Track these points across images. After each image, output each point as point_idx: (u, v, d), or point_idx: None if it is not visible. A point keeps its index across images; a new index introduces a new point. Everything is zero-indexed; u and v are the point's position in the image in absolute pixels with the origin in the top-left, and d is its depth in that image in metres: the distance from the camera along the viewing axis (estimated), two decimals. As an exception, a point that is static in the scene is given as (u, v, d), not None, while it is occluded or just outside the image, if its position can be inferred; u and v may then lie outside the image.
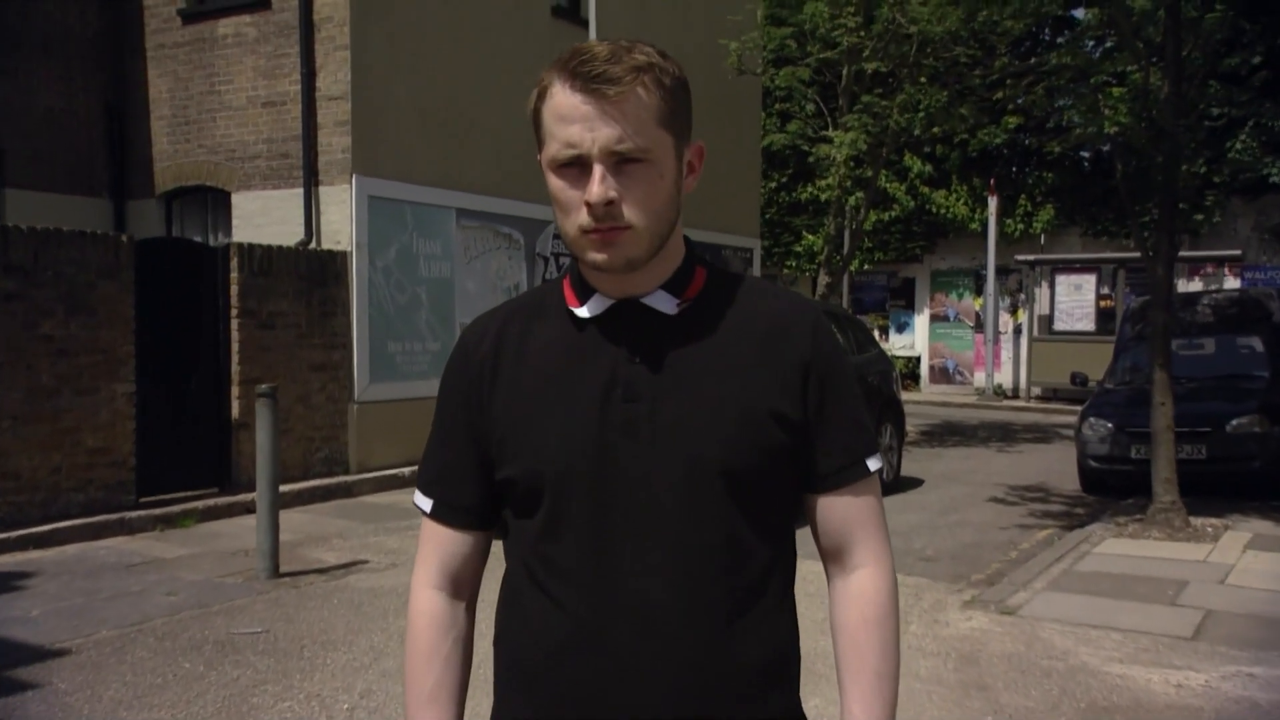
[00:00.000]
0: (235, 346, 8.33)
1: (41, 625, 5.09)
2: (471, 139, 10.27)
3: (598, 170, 1.13)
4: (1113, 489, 9.05)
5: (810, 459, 1.26)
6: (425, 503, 1.35)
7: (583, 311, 1.24)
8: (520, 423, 1.24)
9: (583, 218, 1.14)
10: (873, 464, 1.28)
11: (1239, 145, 14.90)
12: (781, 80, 12.14)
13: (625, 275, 1.20)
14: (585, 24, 10.96)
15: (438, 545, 1.34)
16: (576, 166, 1.14)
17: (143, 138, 10.18)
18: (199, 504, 7.78)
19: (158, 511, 7.47)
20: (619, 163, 1.14)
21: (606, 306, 1.24)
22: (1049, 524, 8.13)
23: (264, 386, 6.22)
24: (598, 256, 1.15)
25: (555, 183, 1.16)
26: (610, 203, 1.13)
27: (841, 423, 1.26)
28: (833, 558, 1.31)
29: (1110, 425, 8.89)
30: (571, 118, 1.13)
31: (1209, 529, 7.27)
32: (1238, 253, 16.04)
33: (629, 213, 1.15)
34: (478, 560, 1.36)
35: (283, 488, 8.02)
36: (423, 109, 9.76)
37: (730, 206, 14.52)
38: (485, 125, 10.35)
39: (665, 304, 1.24)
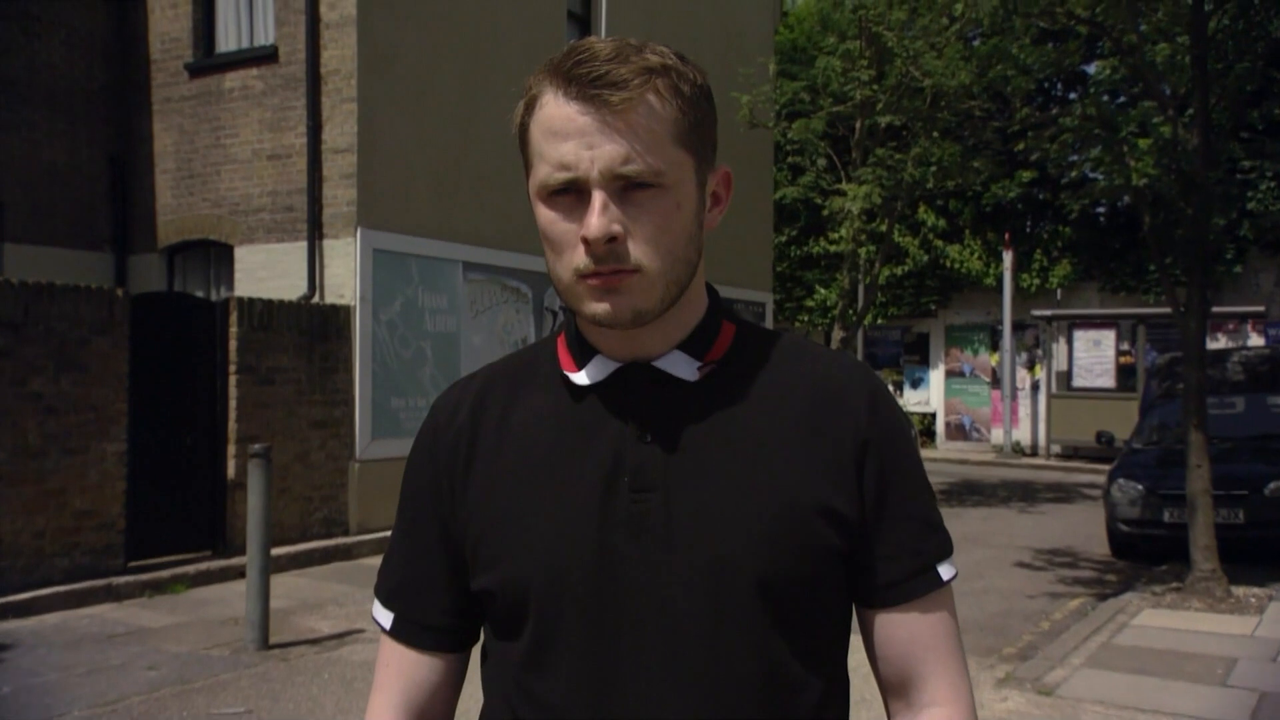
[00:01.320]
0: (233, 403, 8.07)
1: (10, 704, 4.76)
2: (478, 191, 10.12)
3: (598, 198, 0.90)
4: (1144, 554, 8.66)
5: (868, 565, 1.00)
6: (385, 617, 1.08)
7: (580, 378, 1.01)
8: (501, 519, 1.00)
9: (579, 258, 0.91)
10: (946, 572, 1.02)
11: (1260, 197, 14.68)
12: (794, 133, 12.01)
13: (633, 332, 0.98)
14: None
15: (400, 671, 1.07)
16: (571, 194, 0.91)
17: (146, 191, 10.07)
18: (190, 568, 7.46)
19: (146, 577, 7.16)
20: (625, 189, 0.91)
21: (610, 372, 1.00)
22: (1080, 592, 7.74)
23: (257, 446, 5.95)
24: (598, 308, 0.93)
25: (545, 215, 0.94)
26: (614, 239, 0.90)
27: (907, 519, 1.01)
28: (896, 691, 1.03)
29: (1141, 487, 8.52)
30: (566, 132, 0.90)
31: (1252, 599, 6.88)
32: (1260, 309, 15.73)
33: (637, 252, 0.91)
34: (448, 690, 1.09)
35: (278, 550, 7.75)
36: (429, 161, 9.63)
37: (742, 259, 14.35)
38: (492, 177, 10.21)
39: (684, 368, 1.00)
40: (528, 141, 0.95)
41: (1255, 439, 8.90)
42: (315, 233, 9.11)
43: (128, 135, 10.17)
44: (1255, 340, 15.68)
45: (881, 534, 0.99)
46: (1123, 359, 16.70)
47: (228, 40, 9.74)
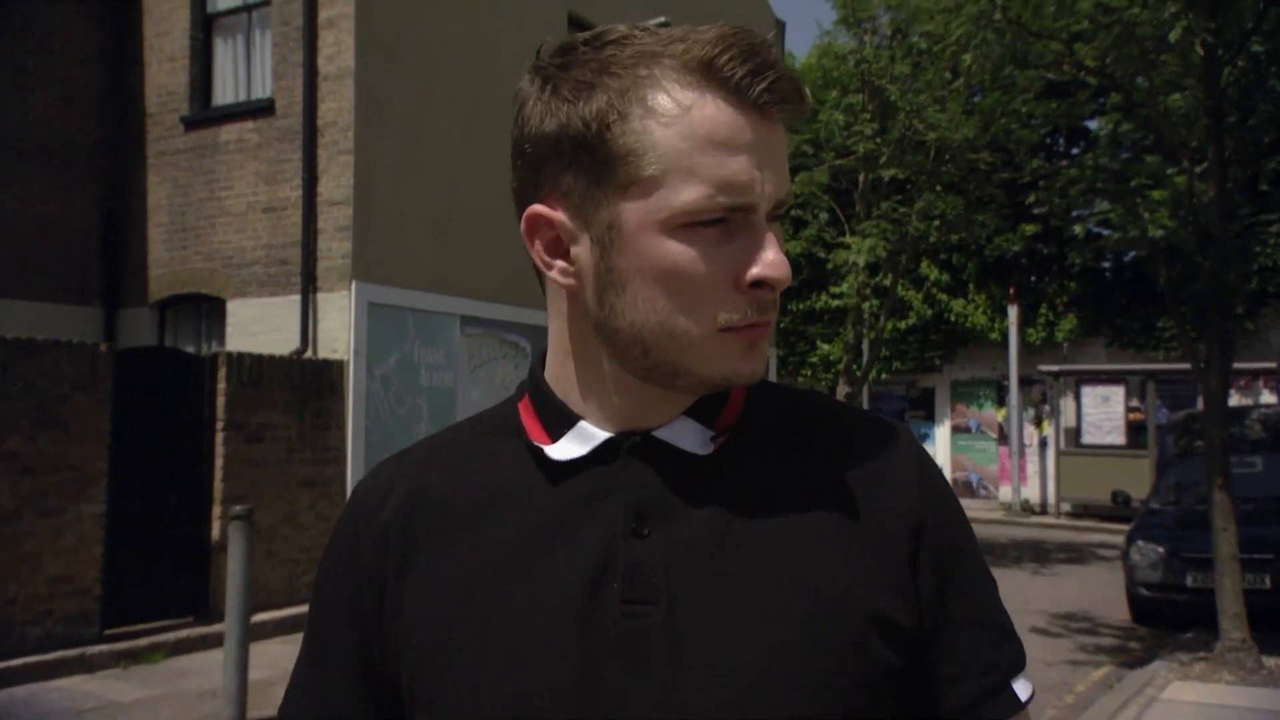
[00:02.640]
0: (219, 462, 7.80)
1: (-39, 791, 4.43)
2: (475, 244, 9.96)
3: (771, 232, 0.75)
4: (1167, 620, 8.32)
5: (928, 688, 0.79)
6: None
7: (557, 451, 0.80)
8: (447, 643, 0.77)
9: (731, 306, 0.74)
10: (1023, 690, 0.81)
11: (1269, 251, 14.53)
12: (798, 187, 11.91)
13: (642, 391, 0.79)
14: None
15: None
16: (718, 225, 0.74)
17: (138, 245, 9.92)
18: (170, 636, 7.13)
19: (123, 646, 6.82)
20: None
21: (597, 445, 0.79)
22: (1103, 660, 7.39)
23: (238, 508, 5.66)
24: (746, 368, 0.76)
25: (679, 252, 0.73)
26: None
27: (974, 624, 0.80)
28: None
29: (1161, 550, 8.21)
30: (735, 144, 0.72)
31: (1285, 671, 6.54)
32: (1273, 365, 15.49)
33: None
34: None
35: (263, 616, 7.42)
36: (425, 213, 9.48)
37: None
38: (490, 230, 10.07)
39: (693, 439, 0.80)
40: (629, 150, 0.73)
41: (1278, 500, 8.60)
42: (309, 286, 8.93)
43: (121, 189, 10.05)
44: (1268, 397, 15.42)
45: (944, 645, 0.78)
46: (1132, 415, 16.41)
47: (225, 93, 9.67)
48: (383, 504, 0.83)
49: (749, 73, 0.72)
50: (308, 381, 8.56)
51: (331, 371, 8.77)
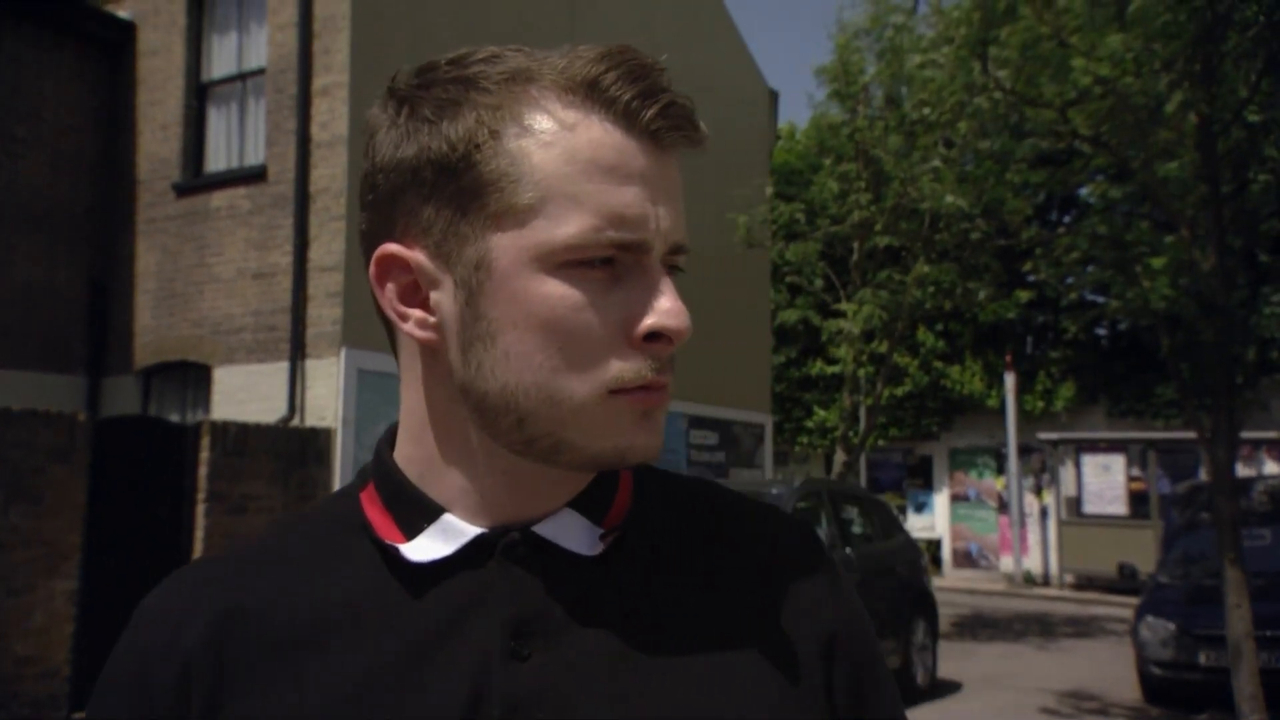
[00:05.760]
0: (200, 534, 7.57)
1: None
2: (470, 312, 9.87)
3: (665, 274, 0.65)
4: (1179, 699, 8.03)
5: None
6: None
7: (414, 551, 0.67)
8: None
9: (626, 364, 0.63)
10: None
11: (1265, 322, 14.50)
12: (792, 255, 11.89)
13: (524, 476, 0.67)
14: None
15: None
16: (606, 268, 0.63)
17: (125, 312, 9.80)
18: (141, 718, 6.82)
19: (90, 729, 6.51)
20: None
21: (465, 542, 0.66)
22: (1115, 745, 7.10)
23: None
24: (641, 441, 0.65)
25: (561, 294, 0.63)
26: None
27: None
28: None
29: (1172, 626, 7.96)
30: (625, 173, 0.62)
31: (1307, 757, 6.27)
32: (1275, 435, 15.36)
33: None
34: None
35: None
36: (420, 282, 9.40)
37: (741, 381, 14.06)
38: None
39: (579, 538, 0.68)
40: (501, 174, 0.62)
41: (1289, 574, 8.38)
42: (298, 353, 8.81)
43: (109, 256, 9.97)
44: (1271, 467, 15.25)
45: None
46: (1134, 485, 16.21)
47: (217, 160, 9.65)
48: (182, 629, 0.65)
49: (638, 94, 0.63)
50: (294, 450, 8.37)
51: (319, 440, 8.58)
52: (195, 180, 9.61)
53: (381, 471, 0.71)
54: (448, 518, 0.67)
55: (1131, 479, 16.23)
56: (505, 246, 0.62)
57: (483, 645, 0.63)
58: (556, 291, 0.62)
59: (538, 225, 0.62)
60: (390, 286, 0.67)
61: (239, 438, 7.96)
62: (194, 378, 9.58)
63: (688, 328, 0.63)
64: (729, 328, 13.84)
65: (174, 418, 9.25)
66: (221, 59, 9.74)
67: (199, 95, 9.74)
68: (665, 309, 0.63)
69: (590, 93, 0.62)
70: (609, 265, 0.63)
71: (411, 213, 0.65)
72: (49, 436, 6.63)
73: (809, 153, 16.67)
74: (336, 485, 8.58)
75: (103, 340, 9.93)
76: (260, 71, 9.33)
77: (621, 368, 0.63)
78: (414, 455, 0.69)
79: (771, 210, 12.50)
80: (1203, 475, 10.21)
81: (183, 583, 0.69)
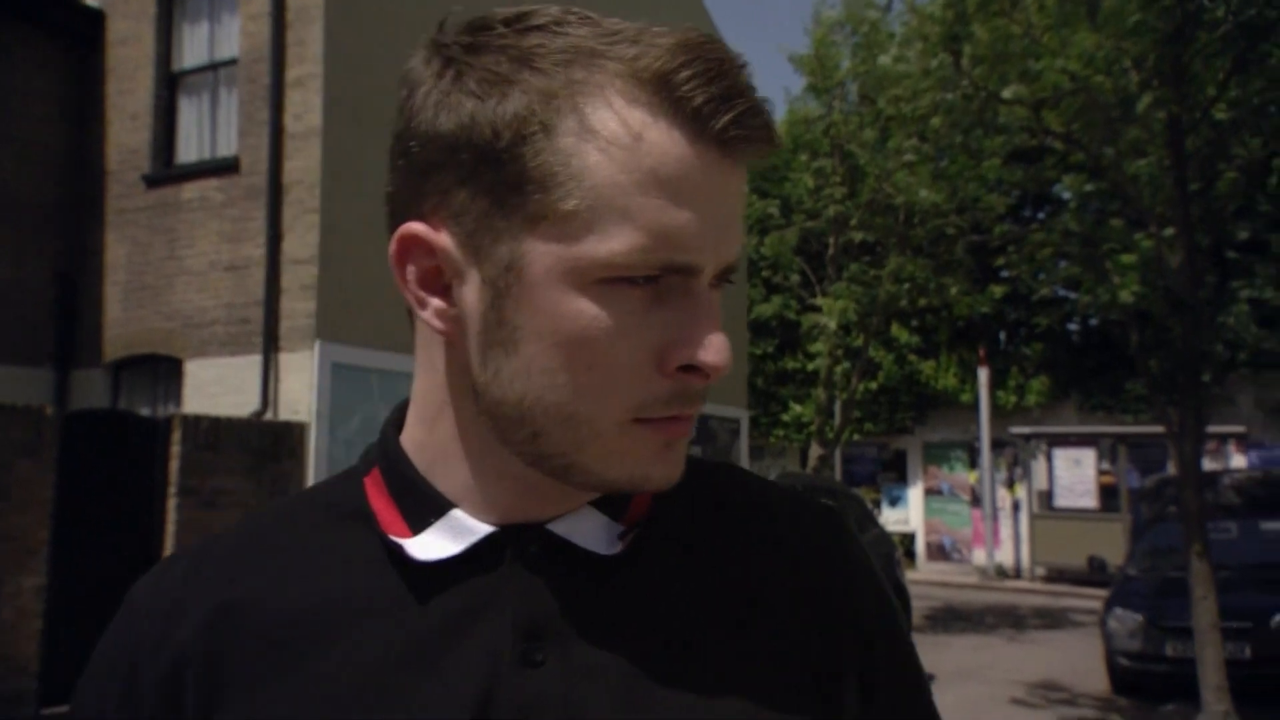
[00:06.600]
0: (170, 529, 7.49)
1: None
2: (445, 306, 9.82)
3: (714, 301, 0.60)
4: (1147, 690, 8.14)
5: None
6: None
7: (421, 548, 0.62)
8: None
9: (650, 391, 0.59)
10: None
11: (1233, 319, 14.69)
12: (767, 249, 11.92)
13: (535, 477, 0.62)
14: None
15: None
16: (649, 286, 0.58)
17: (94, 305, 9.68)
18: (111, 715, 6.75)
19: (59, 726, 6.45)
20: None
21: (475, 541, 0.62)
22: (1084, 735, 7.20)
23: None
24: (660, 472, 0.60)
25: (592, 313, 0.57)
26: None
27: None
28: None
29: (1140, 618, 8.07)
30: (686, 192, 0.56)
31: (1270, 746, 6.37)
32: (1242, 429, 15.59)
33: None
34: None
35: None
36: (393, 274, 9.32)
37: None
38: (460, 292, 9.96)
39: (598, 537, 0.64)
40: (548, 174, 0.56)
41: (1255, 567, 8.51)
42: (271, 346, 8.73)
43: (78, 248, 9.84)
44: (1238, 461, 15.47)
45: None
46: (1104, 479, 16.40)
47: (189, 152, 9.54)
48: (174, 621, 0.62)
49: (713, 97, 0.56)
50: (267, 444, 8.30)
51: (292, 434, 8.52)
52: (166, 171, 9.50)
53: (389, 458, 0.66)
54: (456, 514, 0.63)
55: (1102, 473, 16.42)
56: (541, 252, 0.57)
57: (492, 648, 0.60)
58: (590, 309, 0.57)
59: (580, 236, 0.56)
60: (411, 269, 0.63)
61: (211, 432, 7.89)
62: (165, 371, 9.48)
63: (729, 365, 0.59)
64: (705, 322, 13.84)
65: (144, 412, 9.15)
66: (193, 49, 9.62)
67: (170, 85, 9.62)
68: (709, 343, 0.58)
69: (660, 90, 0.56)
70: (652, 283, 0.57)
71: (444, 192, 0.60)
72: (15, 431, 6.54)
73: (784, 148, 16.70)
74: (310, 480, 8.51)
75: (71, 333, 9.81)
76: (232, 61, 9.23)
77: (650, 397, 0.59)
78: (425, 442, 0.65)
79: (747, 206, 12.54)
80: (1170, 469, 10.34)
81: (173, 572, 0.66)
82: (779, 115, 22.97)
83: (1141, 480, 13.04)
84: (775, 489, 0.73)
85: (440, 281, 0.62)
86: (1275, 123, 6.71)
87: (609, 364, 0.57)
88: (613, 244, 0.55)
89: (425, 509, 0.63)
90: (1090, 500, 16.37)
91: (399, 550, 0.62)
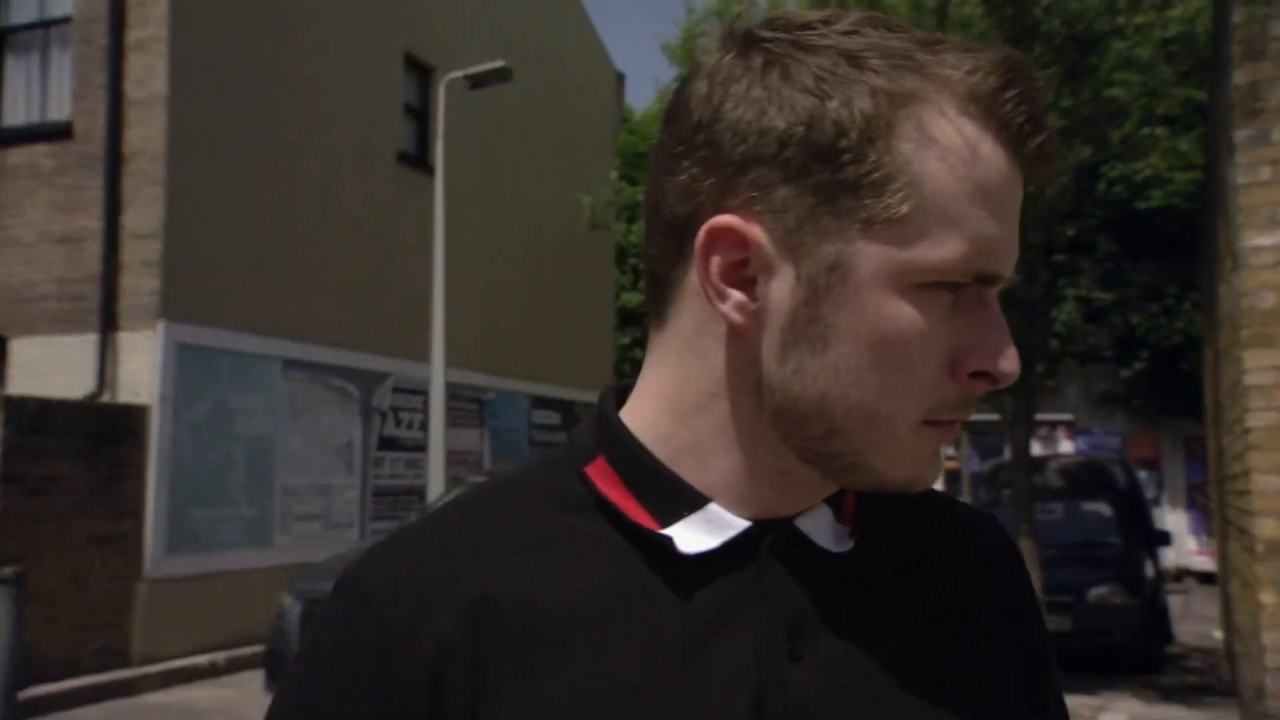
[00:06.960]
0: (-8, 518, 7.01)
1: None
2: (302, 281, 9.50)
3: (999, 311, 0.61)
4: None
5: None
6: None
7: (683, 539, 0.62)
8: None
9: (949, 397, 0.59)
10: None
11: (1065, 317, 15.73)
12: (636, 236, 12.01)
13: (793, 470, 0.63)
14: (431, 171, 10.54)
15: None
16: (948, 291, 0.58)
17: (-92, 275, 8.92)
18: (-79, 717, 6.28)
19: None
20: None
21: (733, 535, 0.62)
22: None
23: (6, 571, 5.07)
24: (929, 474, 0.62)
25: (910, 317, 0.58)
26: None
27: None
28: None
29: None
30: (1005, 201, 0.58)
31: (1084, 710, 6.88)
32: (1069, 417, 16.70)
33: None
34: None
35: (39, 690, 6.68)
36: (247, 250, 8.95)
37: (582, 361, 14.12)
38: (318, 266, 9.64)
39: (828, 533, 0.65)
40: (888, 179, 0.56)
41: (1076, 546, 9.14)
42: (108, 324, 8.25)
43: (-110, 212, 9.04)
44: (1066, 445, 16.57)
45: None
46: (949, 464, 17.29)
47: (15, 114, 8.90)
48: (427, 609, 0.60)
49: (1031, 119, 0.58)
50: (104, 429, 7.85)
51: (132, 418, 8.08)
52: (-9, 134, 8.85)
53: (621, 448, 0.64)
54: (713, 507, 0.62)
55: (947, 458, 17.31)
56: (870, 255, 0.57)
57: (756, 643, 0.60)
58: (909, 312, 0.57)
59: (913, 241, 0.56)
60: (716, 260, 0.60)
61: (39, 414, 7.42)
62: (-12, 349, 8.84)
63: (1016, 373, 0.60)
64: (572, 308, 13.86)
65: (-36, 392, 8.51)
66: (21, 4, 8.97)
67: (-4, 41, 8.95)
68: (1003, 352, 0.59)
69: (990, 105, 0.57)
70: (955, 290, 0.58)
71: (762, 187, 0.58)
72: None
73: (652, 135, 16.85)
74: (153, 465, 8.10)
75: (-120, 306, 9.00)
76: (66, 20, 8.65)
77: (942, 399, 0.59)
78: (674, 435, 0.64)
79: (616, 193, 12.59)
80: (1007, 454, 10.99)
81: (397, 559, 0.62)
82: (649, 103, 23.10)
83: (981, 464, 13.82)
84: (942, 494, 0.76)
85: (743, 275, 0.60)
86: (1102, 132, 7.21)
87: (916, 366, 0.58)
88: (944, 251, 0.57)
89: (675, 501, 0.62)
90: (936, 485, 17.21)
91: (660, 543, 0.61)
